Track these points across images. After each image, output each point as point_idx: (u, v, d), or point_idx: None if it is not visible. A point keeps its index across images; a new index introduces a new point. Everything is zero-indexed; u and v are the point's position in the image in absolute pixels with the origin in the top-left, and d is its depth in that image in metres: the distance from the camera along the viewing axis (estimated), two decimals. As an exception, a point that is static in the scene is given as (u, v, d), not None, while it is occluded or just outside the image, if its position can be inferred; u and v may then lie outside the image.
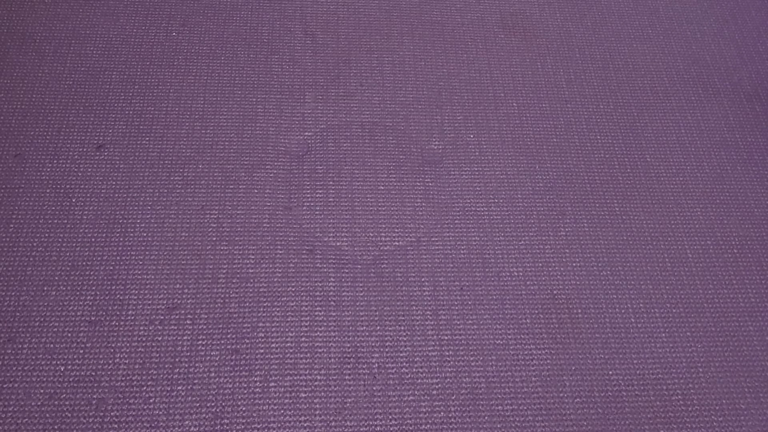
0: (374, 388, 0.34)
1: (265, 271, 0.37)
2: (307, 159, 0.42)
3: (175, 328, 0.35)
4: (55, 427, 0.32)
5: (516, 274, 0.38)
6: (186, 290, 0.36)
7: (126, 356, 0.34)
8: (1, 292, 0.35)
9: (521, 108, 0.44)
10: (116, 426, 0.32)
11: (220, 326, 0.35)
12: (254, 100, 0.43)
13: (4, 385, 0.32)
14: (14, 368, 0.33)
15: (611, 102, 0.46)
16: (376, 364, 0.34)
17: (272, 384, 0.34)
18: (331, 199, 0.40)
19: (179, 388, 0.33)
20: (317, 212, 0.39)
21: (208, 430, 0.32)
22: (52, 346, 0.34)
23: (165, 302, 0.35)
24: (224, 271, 0.37)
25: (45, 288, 0.35)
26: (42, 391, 0.32)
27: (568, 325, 0.36)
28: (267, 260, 0.37)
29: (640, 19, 0.50)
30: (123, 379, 0.33)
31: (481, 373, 0.34)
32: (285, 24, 0.47)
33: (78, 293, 0.35)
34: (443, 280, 0.37)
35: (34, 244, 0.36)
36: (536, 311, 0.37)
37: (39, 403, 0.32)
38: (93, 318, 0.35)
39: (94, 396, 0.33)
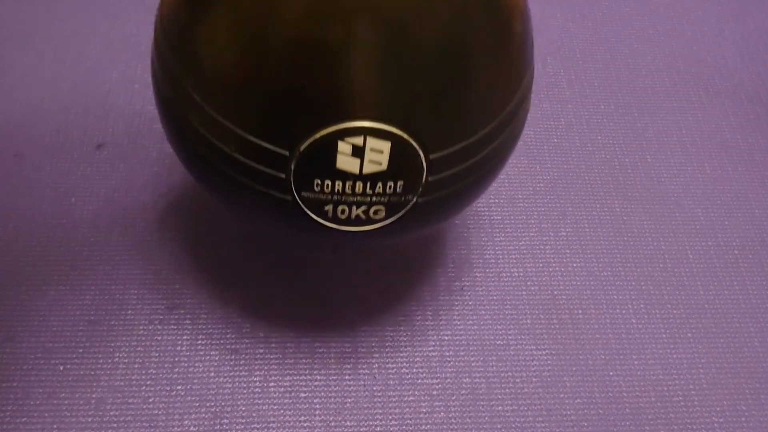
0: (374, 388, 0.34)
1: (266, 269, 0.37)
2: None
3: (175, 327, 0.35)
4: (54, 426, 0.31)
5: (516, 274, 0.38)
6: (186, 290, 0.36)
7: (125, 356, 0.34)
8: (0, 290, 0.35)
9: (522, 108, 0.44)
10: (115, 425, 0.32)
11: (220, 326, 0.35)
12: (254, 99, 0.43)
13: (3, 384, 0.32)
14: (13, 367, 0.33)
15: (612, 102, 0.45)
16: (376, 364, 0.34)
17: (272, 384, 0.33)
18: (331, 199, 0.40)
19: (178, 387, 0.33)
20: (317, 212, 0.39)
21: (208, 429, 0.32)
22: (50, 345, 0.34)
23: (165, 302, 0.35)
24: (225, 270, 0.36)
25: (44, 287, 0.35)
26: (40, 390, 0.32)
27: (568, 325, 0.36)
28: (269, 259, 0.37)
29: (641, 20, 0.50)
30: (122, 378, 0.33)
31: (482, 373, 0.34)
32: (285, 24, 0.47)
33: (77, 293, 0.35)
34: (444, 280, 0.37)
35: (33, 243, 0.36)
36: (537, 311, 0.37)
37: (37, 402, 0.32)
38: (92, 317, 0.34)
39: (93, 395, 0.32)
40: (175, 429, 0.32)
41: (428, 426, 0.33)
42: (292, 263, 0.37)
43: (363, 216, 0.24)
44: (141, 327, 0.34)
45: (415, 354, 0.35)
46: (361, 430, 0.32)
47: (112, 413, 0.32)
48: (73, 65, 0.44)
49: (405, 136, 0.22)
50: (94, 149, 0.40)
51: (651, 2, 0.52)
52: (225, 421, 0.32)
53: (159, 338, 0.34)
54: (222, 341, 0.34)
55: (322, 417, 0.33)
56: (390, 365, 0.34)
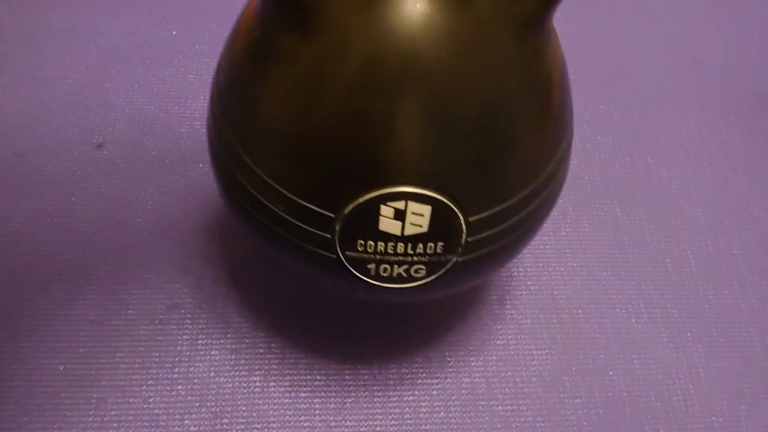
0: (374, 388, 0.34)
1: (266, 269, 0.37)
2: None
3: (176, 327, 0.35)
4: (55, 426, 0.32)
5: (516, 274, 0.38)
6: (187, 289, 0.36)
7: (126, 355, 0.34)
8: (2, 290, 0.35)
9: (522, 108, 0.44)
10: (116, 425, 0.32)
11: (221, 325, 0.35)
12: (255, 99, 0.43)
13: (5, 383, 0.32)
14: (15, 366, 0.33)
15: (612, 103, 0.45)
16: (376, 364, 0.34)
17: (272, 384, 0.34)
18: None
19: (179, 387, 0.33)
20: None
21: (208, 429, 0.32)
22: (53, 345, 0.34)
23: (166, 301, 0.35)
24: (226, 270, 0.37)
25: (45, 287, 0.35)
26: (42, 389, 0.32)
27: (568, 325, 0.36)
28: (269, 259, 0.37)
29: (641, 21, 0.50)
30: (123, 378, 0.33)
31: (481, 373, 0.34)
32: (286, 23, 0.47)
33: (79, 292, 0.35)
34: (444, 280, 0.37)
35: (36, 243, 0.36)
36: (536, 311, 0.37)
37: (39, 402, 0.32)
38: (94, 317, 0.35)
39: (95, 395, 0.32)
40: (176, 429, 0.32)
41: (428, 426, 0.33)
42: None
43: (404, 274, 0.25)
44: (142, 327, 0.34)
45: (415, 354, 0.35)
46: (361, 430, 0.32)
47: (113, 413, 0.32)
48: (73, 64, 0.44)
49: (445, 200, 0.22)
50: (94, 148, 0.40)
51: (651, 3, 0.52)
52: (225, 420, 0.32)
53: (160, 338, 0.34)
54: (222, 341, 0.34)
55: (322, 417, 0.33)
56: (390, 365, 0.34)
